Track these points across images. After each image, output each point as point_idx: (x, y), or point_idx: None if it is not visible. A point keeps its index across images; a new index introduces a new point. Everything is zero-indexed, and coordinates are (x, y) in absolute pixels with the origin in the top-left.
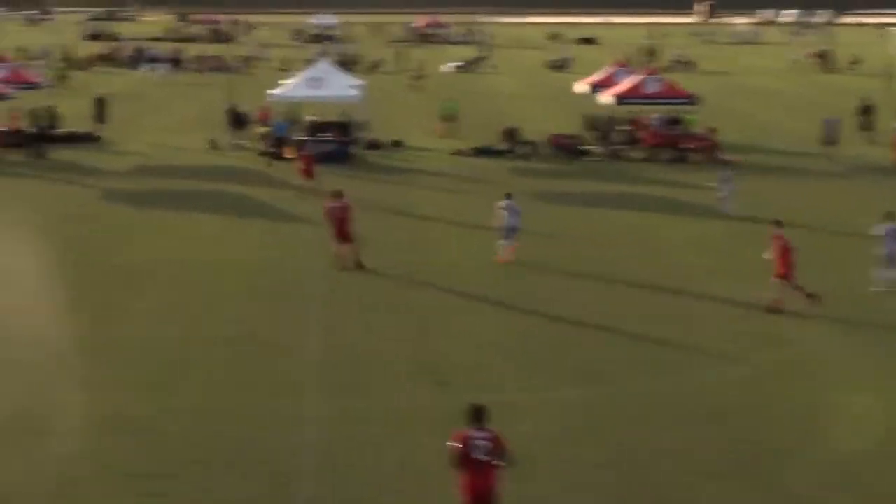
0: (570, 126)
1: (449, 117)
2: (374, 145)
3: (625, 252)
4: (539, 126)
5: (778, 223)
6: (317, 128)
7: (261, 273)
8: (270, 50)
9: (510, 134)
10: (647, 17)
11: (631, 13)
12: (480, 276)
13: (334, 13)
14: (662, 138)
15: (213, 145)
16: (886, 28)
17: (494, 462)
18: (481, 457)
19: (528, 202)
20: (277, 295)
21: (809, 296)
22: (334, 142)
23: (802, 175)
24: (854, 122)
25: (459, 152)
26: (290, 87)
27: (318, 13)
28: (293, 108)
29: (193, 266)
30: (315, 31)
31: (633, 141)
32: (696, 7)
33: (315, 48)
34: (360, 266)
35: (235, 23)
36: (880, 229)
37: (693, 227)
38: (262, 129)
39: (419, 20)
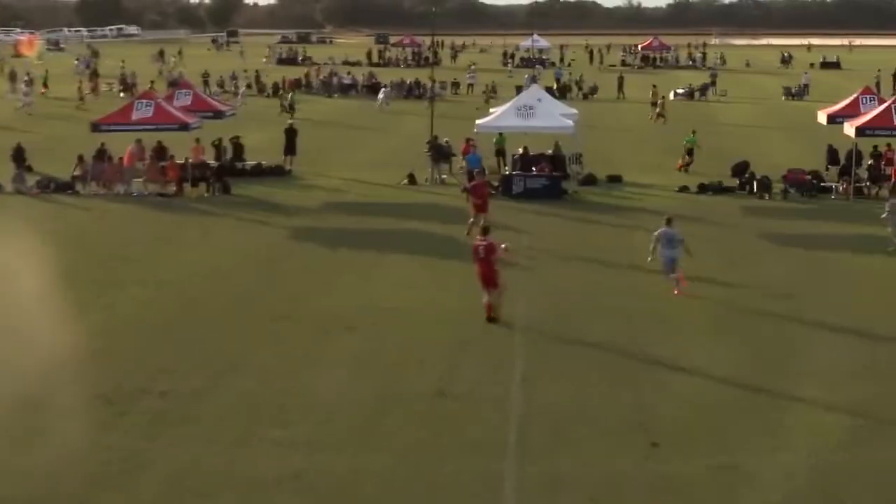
0: (808, 160)
1: (690, 151)
2: (589, 181)
3: (876, 301)
4: (773, 160)
5: None
6: (526, 161)
7: (461, 321)
8: (477, 75)
9: (741, 169)
10: None
11: (879, 34)
12: (695, 325)
13: (546, 35)
14: None
15: (413, 181)
16: None
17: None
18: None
19: (758, 243)
20: (478, 344)
21: None
22: (545, 177)
23: None
24: None
25: (685, 189)
26: (498, 115)
27: (528, 35)
28: (501, 139)
29: (389, 312)
30: (525, 55)
31: (880, 177)
32: None
33: (525, 73)
34: (491, 319)
35: (439, 45)
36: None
37: None
38: (464, 163)
39: (640, 42)
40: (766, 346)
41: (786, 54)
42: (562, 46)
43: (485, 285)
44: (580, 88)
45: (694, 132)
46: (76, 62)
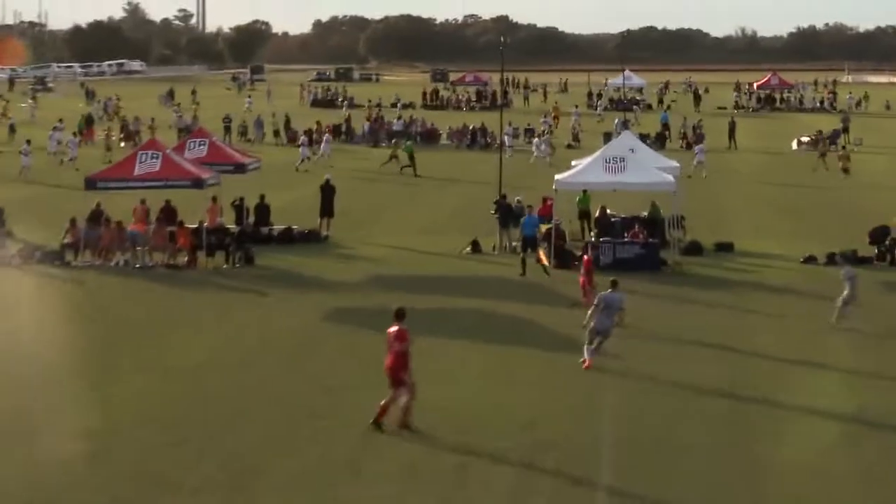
0: None
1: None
2: (693, 249)
3: None
4: None
5: None
6: (613, 225)
7: (534, 425)
8: (555, 120)
9: (880, 235)
10: None
11: None
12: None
13: (640, 70)
14: None
15: (476, 248)
16: None
17: None
18: None
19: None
20: (557, 458)
21: None
22: (639, 244)
23: None
24: None
25: (811, 260)
26: (582, 169)
27: (618, 71)
28: (585, 198)
29: (446, 414)
30: (615, 95)
31: None
32: None
33: (615, 117)
34: (378, 424)
35: (509, 83)
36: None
37: None
38: (545, 226)
39: (756, 80)
40: None
41: (831, 94)
42: (665, 85)
43: (389, 382)
44: (684, 136)
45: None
46: (95, 104)
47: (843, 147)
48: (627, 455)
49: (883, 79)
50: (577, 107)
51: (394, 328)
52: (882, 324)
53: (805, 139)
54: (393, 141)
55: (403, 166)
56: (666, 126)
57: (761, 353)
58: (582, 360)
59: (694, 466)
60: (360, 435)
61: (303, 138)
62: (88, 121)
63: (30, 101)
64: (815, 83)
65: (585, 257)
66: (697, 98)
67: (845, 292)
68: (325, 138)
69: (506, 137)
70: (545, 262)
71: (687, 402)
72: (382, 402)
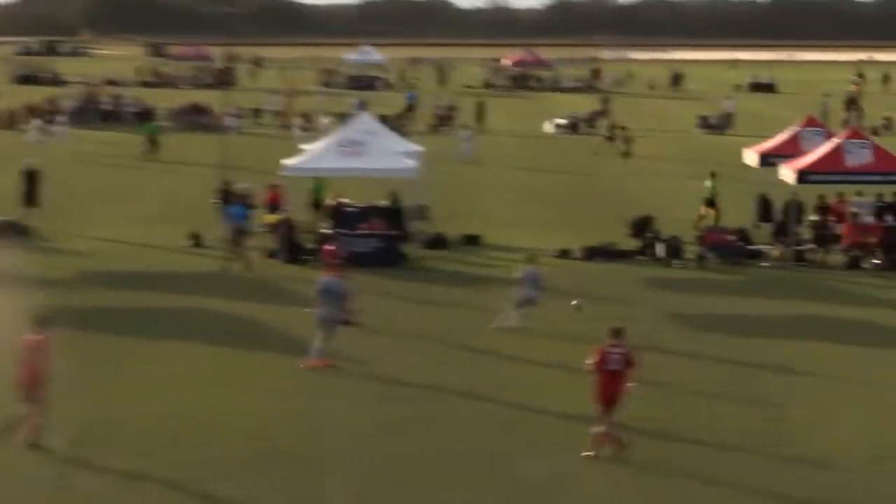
0: (732, 215)
1: (711, 202)
2: (437, 242)
3: (825, 407)
4: (685, 214)
5: None
6: (348, 216)
7: (265, 432)
8: (285, 99)
9: (642, 226)
10: (851, 51)
11: (827, 47)
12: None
13: (381, 45)
14: (870, 234)
15: (197, 241)
16: None
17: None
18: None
19: (663, 329)
20: (289, 465)
21: None
22: (376, 236)
23: None
24: None
25: (566, 254)
26: (315, 154)
27: (356, 46)
28: (318, 185)
29: (165, 422)
30: (352, 73)
31: (827, 238)
32: None
33: (352, 97)
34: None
35: (234, 58)
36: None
37: None
38: (271, 218)
39: (509, 56)
40: None
41: (675, 73)
42: (410, 61)
43: (24, 396)
44: (437, 118)
45: (713, 174)
46: None
47: (622, 128)
48: (364, 466)
49: (646, 55)
50: (317, 85)
51: (32, 337)
52: (640, 323)
53: (561, 121)
54: (143, 124)
55: (143, 151)
56: (411, 107)
57: (506, 355)
58: (307, 359)
59: (446, 479)
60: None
61: (35, 121)
62: None
63: None
64: (574, 60)
65: (328, 248)
66: (444, 76)
67: (519, 294)
68: (58, 119)
69: (231, 118)
70: (249, 257)
71: (429, 407)
72: (23, 418)
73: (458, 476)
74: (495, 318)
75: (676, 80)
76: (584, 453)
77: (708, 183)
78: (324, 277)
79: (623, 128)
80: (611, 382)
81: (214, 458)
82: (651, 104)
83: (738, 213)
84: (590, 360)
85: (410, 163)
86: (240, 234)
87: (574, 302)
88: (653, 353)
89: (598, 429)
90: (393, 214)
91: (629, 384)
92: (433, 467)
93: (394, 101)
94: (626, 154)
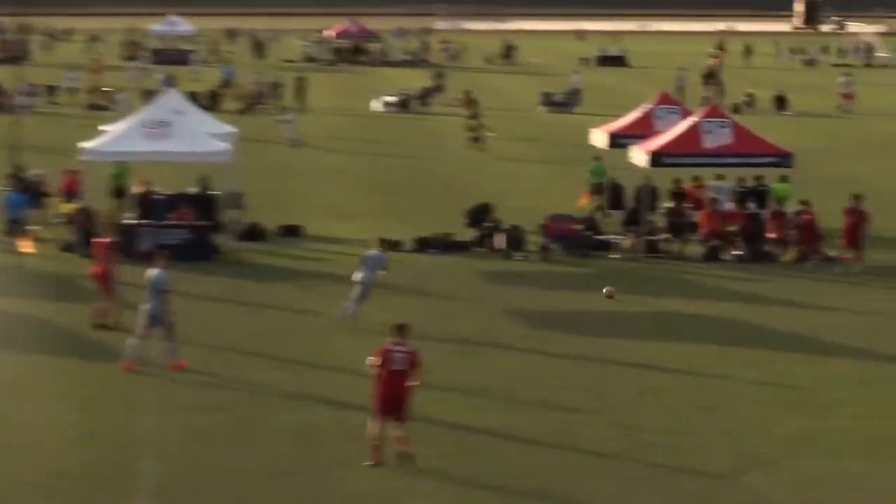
0: (579, 202)
1: (598, 187)
2: (253, 233)
3: (679, 411)
4: (527, 202)
5: None
6: (154, 205)
7: (63, 449)
8: (86, 75)
9: (480, 215)
10: (710, 21)
11: (684, 17)
12: None
13: (190, 15)
14: (730, 222)
15: None
16: None
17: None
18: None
19: (501, 327)
20: (89, 484)
21: None
22: (185, 227)
23: None
24: None
25: (396, 246)
26: (117, 136)
27: (163, 15)
28: (121, 171)
29: None
30: (159, 45)
31: (683, 226)
32: (795, 6)
33: (159, 72)
34: None
35: (27, 30)
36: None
37: (784, 374)
38: (67, 207)
39: (333, 27)
40: None
41: (507, 44)
42: (224, 32)
43: None
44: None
45: (598, 159)
46: None
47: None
48: (168, 483)
49: (484, 26)
50: (125, 58)
51: None
52: (476, 320)
53: (390, 99)
54: None
55: None
56: (227, 83)
57: (330, 360)
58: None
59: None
60: None
61: None
62: None
63: None
64: (404, 32)
65: (101, 241)
66: (260, 48)
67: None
68: None
69: (23, 97)
70: (29, 247)
71: (242, 416)
72: None
73: (273, 490)
74: (337, 308)
75: (508, 52)
76: (365, 463)
77: (591, 166)
78: (150, 271)
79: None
80: (393, 383)
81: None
82: (490, 79)
83: (583, 201)
84: (372, 359)
85: (223, 145)
86: (15, 225)
87: (605, 290)
88: (488, 355)
89: (373, 432)
90: (204, 203)
91: (412, 384)
92: (243, 482)
93: (208, 77)
94: (476, 140)
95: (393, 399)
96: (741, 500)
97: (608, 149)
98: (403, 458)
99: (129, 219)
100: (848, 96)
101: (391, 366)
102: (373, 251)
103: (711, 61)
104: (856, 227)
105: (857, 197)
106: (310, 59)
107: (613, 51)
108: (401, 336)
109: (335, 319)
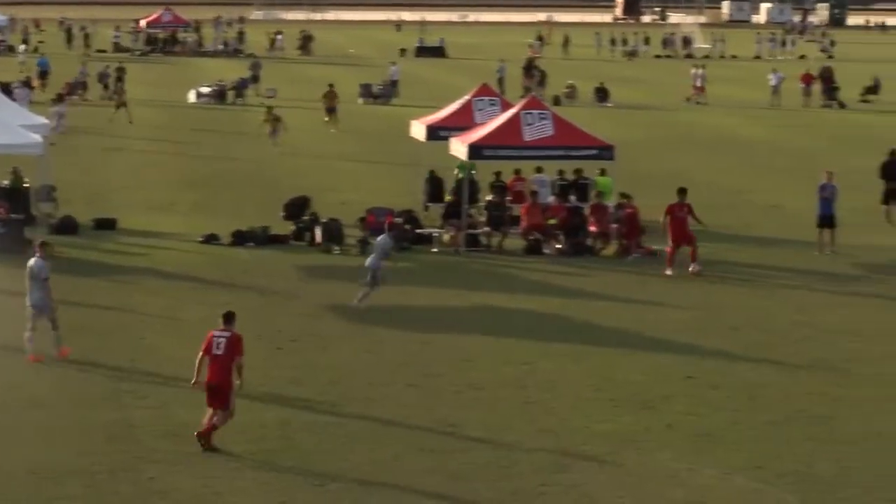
0: (397, 195)
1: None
2: (66, 227)
3: (501, 408)
4: (345, 195)
5: None
6: None
7: None
8: None
9: (298, 208)
10: (531, 11)
11: (505, 7)
12: None
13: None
14: (552, 215)
15: None
16: None
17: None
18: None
19: (316, 324)
20: None
21: None
22: None
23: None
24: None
25: (213, 239)
26: None
27: None
28: None
29: None
30: None
31: (504, 220)
32: None
33: None
34: None
35: None
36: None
37: (608, 369)
38: None
39: (143, 16)
40: None
41: (278, 36)
42: (34, 22)
43: None
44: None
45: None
46: None
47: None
48: None
49: (300, 16)
50: None
51: None
52: (292, 318)
53: (205, 90)
54: None
55: None
56: (44, 73)
57: (145, 356)
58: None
59: None
60: None
61: None
62: None
63: None
64: (219, 21)
65: None
66: (71, 37)
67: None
68: None
69: None
70: None
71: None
72: None
73: (89, 489)
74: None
75: (305, 43)
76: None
77: (462, 164)
78: (30, 260)
79: (270, 108)
80: (215, 369)
81: None
82: (306, 70)
83: (403, 193)
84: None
85: (35, 137)
86: None
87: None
88: (306, 351)
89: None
90: (15, 195)
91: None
92: (54, 481)
93: (16, 67)
94: (274, 132)
95: (216, 385)
96: (563, 498)
97: (426, 141)
98: (204, 443)
99: None
100: (699, 89)
101: (214, 350)
102: (381, 237)
103: (529, 52)
104: (682, 222)
105: (681, 191)
106: (122, 50)
107: (432, 42)
108: (226, 324)
109: (350, 306)
